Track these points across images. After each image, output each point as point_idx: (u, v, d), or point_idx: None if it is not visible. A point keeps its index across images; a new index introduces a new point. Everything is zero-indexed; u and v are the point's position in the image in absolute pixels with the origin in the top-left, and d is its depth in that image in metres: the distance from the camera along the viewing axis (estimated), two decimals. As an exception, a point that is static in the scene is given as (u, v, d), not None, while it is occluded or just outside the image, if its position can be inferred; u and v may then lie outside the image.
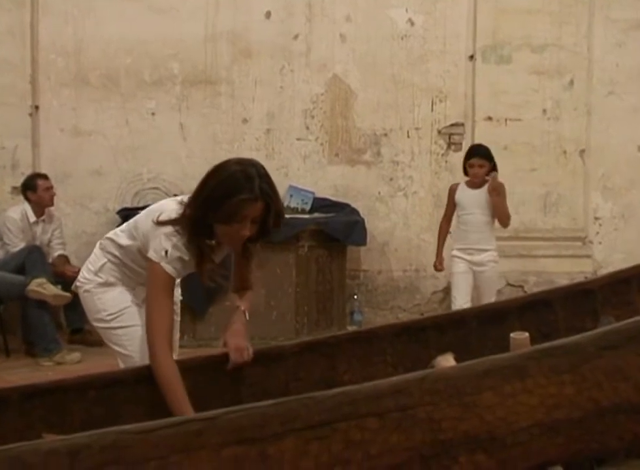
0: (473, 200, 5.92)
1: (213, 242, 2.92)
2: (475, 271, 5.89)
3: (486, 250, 5.91)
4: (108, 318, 3.20)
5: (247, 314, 3.07)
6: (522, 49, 7.32)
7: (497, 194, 5.80)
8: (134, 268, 3.16)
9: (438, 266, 6.21)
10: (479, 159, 5.86)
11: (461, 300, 5.86)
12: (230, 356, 2.97)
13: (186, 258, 2.90)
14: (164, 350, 2.83)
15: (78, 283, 3.31)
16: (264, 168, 2.85)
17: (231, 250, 3.09)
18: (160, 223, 2.92)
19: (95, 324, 3.28)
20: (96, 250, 3.30)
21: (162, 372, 2.79)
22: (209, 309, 6.50)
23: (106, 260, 3.23)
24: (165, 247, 2.88)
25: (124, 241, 3.14)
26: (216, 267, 3.02)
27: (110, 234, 3.26)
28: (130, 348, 3.13)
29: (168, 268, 2.87)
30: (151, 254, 2.91)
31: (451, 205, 6.09)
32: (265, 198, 2.78)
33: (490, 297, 5.86)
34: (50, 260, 6.72)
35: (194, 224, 2.84)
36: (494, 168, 5.87)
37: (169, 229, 2.89)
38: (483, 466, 2.19)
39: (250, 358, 2.96)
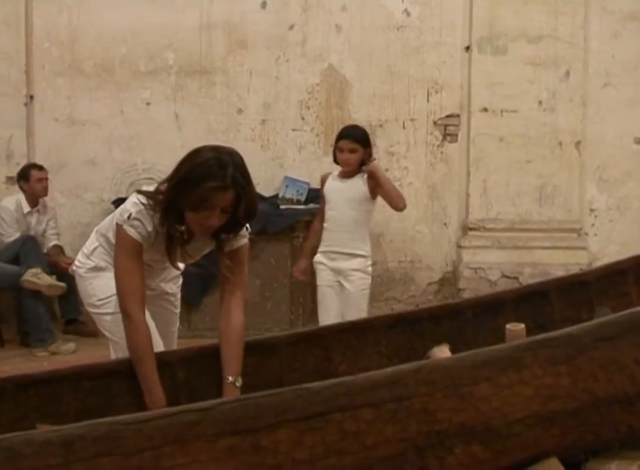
0: (340, 192, 4.84)
1: (183, 228, 2.84)
2: (341, 283, 4.83)
3: (354, 256, 4.82)
4: (98, 303, 3.22)
5: (239, 380, 2.82)
6: (517, 40, 7.30)
7: (377, 178, 4.82)
8: None
9: (294, 273, 5.15)
10: (350, 142, 4.77)
11: (327, 321, 4.68)
12: None
13: (149, 228, 2.85)
14: (135, 311, 2.82)
15: (73, 267, 3.33)
16: (241, 158, 2.78)
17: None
18: (138, 191, 2.92)
19: (88, 309, 3.31)
20: (92, 234, 3.33)
21: (132, 328, 2.81)
22: (203, 300, 6.50)
23: (98, 243, 3.25)
24: (130, 211, 2.86)
25: (113, 223, 3.12)
26: (187, 255, 2.98)
27: (107, 218, 3.27)
28: (119, 335, 3.09)
29: (131, 231, 2.84)
30: (117, 217, 2.91)
31: (323, 200, 5.05)
32: (236, 187, 2.70)
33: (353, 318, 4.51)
34: (45, 251, 6.71)
35: (165, 208, 2.79)
36: (370, 155, 4.89)
37: (141, 197, 2.87)
38: (479, 457, 2.19)
39: None
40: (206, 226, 2.77)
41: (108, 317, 3.19)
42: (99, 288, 3.19)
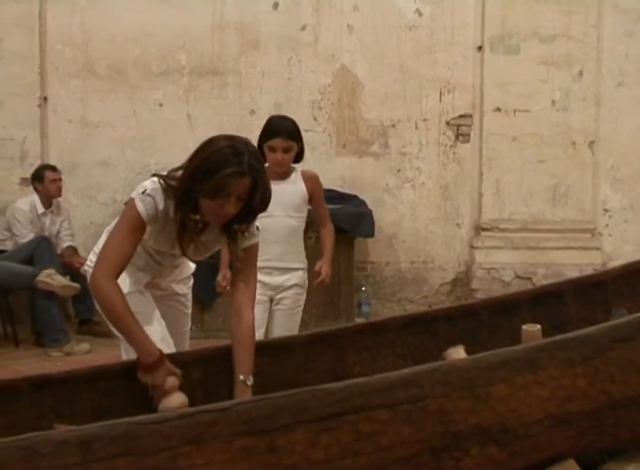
0: (275, 197, 3.53)
1: (197, 217, 2.82)
2: (274, 301, 4.16)
3: (292, 270, 4.15)
4: None
5: (250, 379, 2.80)
6: (530, 39, 7.29)
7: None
8: (144, 254, 3.13)
9: (222, 283, 4.20)
10: (284, 140, 4.00)
11: None
12: None
13: (159, 208, 2.83)
14: (102, 275, 2.80)
15: (85, 267, 3.31)
16: (253, 146, 2.80)
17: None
18: (157, 175, 2.91)
19: (98, 308, 3.26)
20: (103, 234, 3.29)
21: (102, 296, 2.80)
22: (217, 300, 6.49)
23: None
24: (146, 187, 2.86)
25: None
26: (198, 248, 2.96)
27: (117, 218, 3.27)
28: None
29: (140, 206, 2.83)
30: (133, 193, 2.90)
31: None
32: (253, 174, 2.71)
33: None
34: (59, 251, 6.74)
35: (180, 196, 2.79)
36: (301, 151, 4.13)
37: (160, 180, 2.87)
38: (495, 458, 2.19)
39: None
40: (221, 214, 2.76)
41: None
42: None
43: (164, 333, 3.13)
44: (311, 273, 4.22)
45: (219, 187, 2.68)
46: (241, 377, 2.78)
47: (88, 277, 3.23)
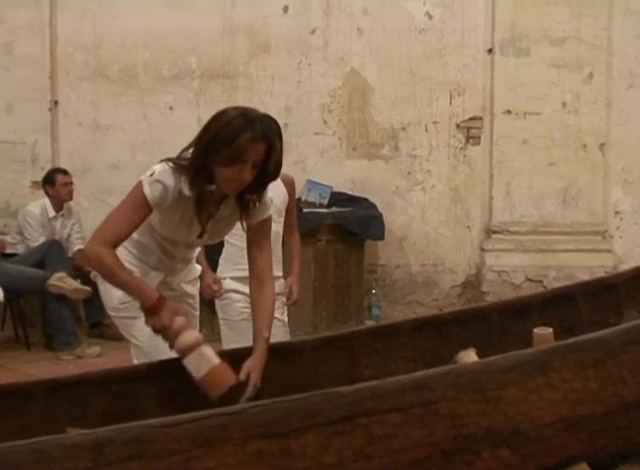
0: None
1: (213, 187, 2.85)
2: None
3: (276, 278, 3.71)
4: (120, 306, 3.17)
5: (267, 333, 2.90)
6: (540, 41, 7.27)
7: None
8: (144, 243, 3.12)
9: (215, 288, 3.93)
10: None
11: None
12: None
13: (169, 190, 2.85)
14: (93, 242, 2.84)
15: (94, 272, 3.24)
16: (265, 114, 2.84)
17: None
18: (167, 159, 2.93)
19: (109, 313, 3.27)
20: None
21: (92, 257, 2.83)
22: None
23: (119, 247, 3.14)
24: (154, 169, 2.88)
25: None
26: (218, 221, 2.98)
27: None
28: (141, 338, 3.11)
29: (146, 188, 2.84)
30: (142, 176, 2.91)
31: None
32: (268, 140, 2.76)
33: None
34: (70, 255, 6.75)
35: (194, 168, 2.82)
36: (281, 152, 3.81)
37: (170, 163, 2.90)
38: (507, 461, 2.18)
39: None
40: (238, 181, 2.79)
41: (130, 321, 3.17)
42: (122, 291, 3.13)
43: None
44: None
45: (237, 153, 2.72)
46: (266, 334, 2.86)
47: (99, 281, 3.24)
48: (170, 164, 2.89)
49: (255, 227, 3.01)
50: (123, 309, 3.18)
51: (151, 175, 2.86)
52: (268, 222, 3.05)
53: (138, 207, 2.86)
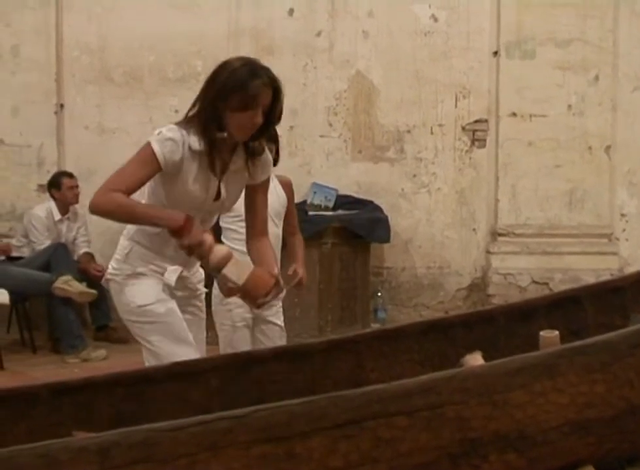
0: None
1: (225, 134, 2.95)
2: (258, 318, 3.97)
3: None
4: (137, 310, 3.15)
5: None
6: (546, 44, 7.27)
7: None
8: (158, 232, 3.10)
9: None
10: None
11: None
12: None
13: (178, 138, 2.91)
14: (99, 192, 2.91)
15: (108, 276, 3.27)
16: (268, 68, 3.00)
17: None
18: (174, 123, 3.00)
19: (124, 316, 3.23)
20: (121, 240, 3.28)
21: (103, 204, 2.91)
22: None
23: (131, 246, 3.20)
24: (160, 129, 2.96)
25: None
26: (231, 174, 3.06)
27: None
28: (157, 344, 3.10)
29: (156, 147, 2.90)
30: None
31: None
32: (274, 85, 2.92)
33: None
34: (75, 258, 6.76)
35: (205, 118, 2.92)
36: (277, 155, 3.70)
37: (177, 124, 2.98)
38: (513, 465, 2.18)
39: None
40: (250, 126, 2.91)
41: (147, 326, 3.15)
42: (139, 295, 3.15)
43: (192, 341, 3.17)
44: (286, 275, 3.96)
45: (250, 98, 2.86)
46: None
47: (112, 284, 3.23)
48: (177, 124, 2.97)
49: (255, 188, 3.14)
50: (141, 313, 3.16)
51: (159, 134, 2.93)
52: (266, 183, 3.20)
53: (147, 164, 2.93)
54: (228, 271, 2.86)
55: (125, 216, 2.97)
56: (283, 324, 4.04)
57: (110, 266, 3.29)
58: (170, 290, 3.18)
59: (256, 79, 2.87)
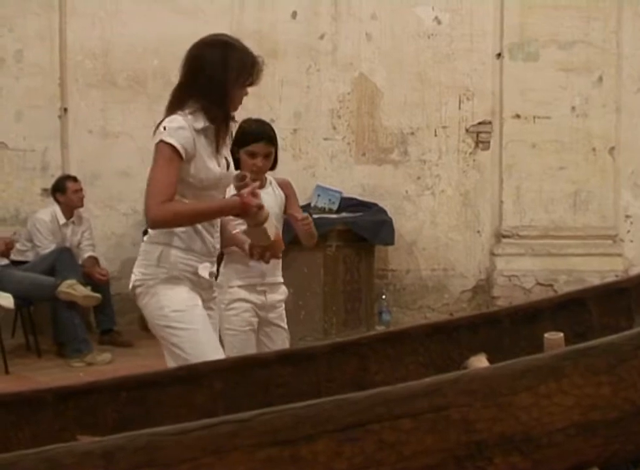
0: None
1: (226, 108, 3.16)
2: (263, 321, 3.87)
3: (280, 285, 3.93)
4: (172, 315, 3.12)
5: None
6: (549, 45, 7.27)
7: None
8: (185, 231, 3.13)
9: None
10: (266, 146, 3.75)
11: None
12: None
13: (184, 124, 3.02)
14: (154, 205, 2.96)
15: (136, 283, 3.19)
16: None
17: None
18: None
19: (156, 322, 3.16)
20: (146, 247, 3.22)
21: (164, 218, 2.99)
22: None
23: (160, 248, 3.15)
24: (163, 126, 3.04)
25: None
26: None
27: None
28: (190, 351, 3.08)
29: (170, 140, 2.98)
30: (155, 140, 3.03)
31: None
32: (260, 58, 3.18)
33: None
34: (80, 262, 6.76)
35: (210, 94, 3.08)
36: (276, 157, 3.86)
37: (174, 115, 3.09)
38: (519, 467, 2.17)
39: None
40: (242, 97, 3.19)
41: (181, 332, 3.12)
42: (175, 299, 3.12)
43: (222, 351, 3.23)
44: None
45: (257, 73, 3.13)
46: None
47: (142, 290, 3.16)
48: (171, 116, 3.07)
49: None
50: (175, 318, 3.13)
51: (165, 129, 3.00)
52: None
53: (172, 161, 2.99)
54: (267, 226, 3.18)
55: (187, 220, 3.06)
56: (286, 327, 3.99)
57: (137, 273, 3.20)
58: (200, 294, 3.20)
59: (254, 56, 3.13)
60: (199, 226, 3.15)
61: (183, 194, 3.09)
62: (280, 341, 3.92)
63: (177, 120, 3.02)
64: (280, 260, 3.83)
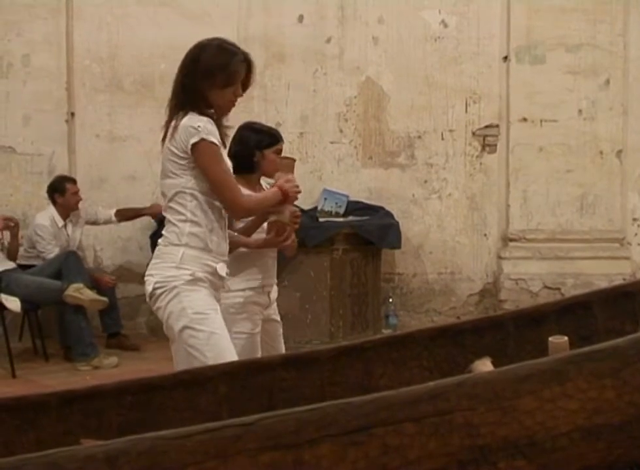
0: None
1: (212, 111, 3.19)
2: (263, 319, 3.88)
3: (274, 284, 4.00)
4: (195, 316, 3.11)
5: None
6: (556, 49, 7.26)
7: None
8: (203, 230, 3.16)
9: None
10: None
11: None
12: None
13: (206, 119, 3.13)
14: (237, 201, 3.18)
15: (157, 284, 3.15)
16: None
17: None
18: (185, 112, 3.19)
19: (176, 323, 3.13)
20: (163, 249, 3.20)
21: (248, 210, 3.35)
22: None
23: (182, 250, 3.15)
24: (196, 124, 3.10)
25: (177, 205, 3.18)
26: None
27: (167, 227, 3.24)
28: (209, 354, 3.08)
29: (208, 137, 3.09)
30: (191, 140, 3.09)
31: None
32: (248, 58, 3.22)
33: None
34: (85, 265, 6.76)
35: (194, 98, 3.15)
36: None
37: (191, 112, 3.15)
38: (523, 471, 2.16)
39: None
40: (233, 99, 3.21)
41: (201, 334, 3.11)
42: (197, 301, 3.12)
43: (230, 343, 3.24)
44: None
45: (234, 74, 3.14)
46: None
47: (164, 292, 3.14)
48: (191, 114, 3.14)
49: None
50: (198, 321, 3.12)
51: (198, 127, 3.09)
52: None
53: (219, 155, 3.16)
54: (285, 208, 3.54)
55: (261, 208, 3.43)
56: (279, 318, 4.04)
57: (156, 275, 3.18)
58: (215, 297, 3.24)
59: (235, 57, 3.15)
60: (215, 226, 3.19)
61: (200, 187, 3.16)
62: (277, 334, 3.98)
63: (199, 117, 3.11)
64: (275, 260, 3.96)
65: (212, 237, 3.17)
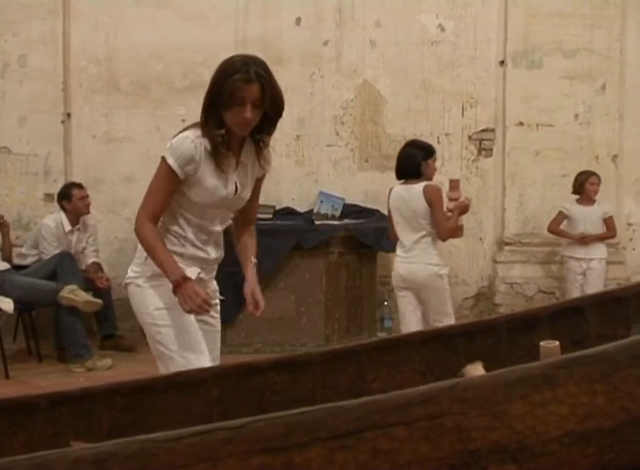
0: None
1: (222, 131, 3.04)
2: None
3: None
4: (155, 313, 3.15)
5: (255, 260, 3.31)
6: (553, 53, 7.28)
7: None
8: (176, 236, 3.17)
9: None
10: None
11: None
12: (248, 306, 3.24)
13: (188, 145, 3.03)
14: (141, 220, 3.08)
15: (127, 280, 3.27)
16: (262, 61, 3.05)
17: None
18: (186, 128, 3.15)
19: (142, 320, 3.22)
20: (138, 246, 3.26)
21: (139, 236, 3.11)
22: (239, 316, 6.50)
23: None
24: (171, 142, 3.08)
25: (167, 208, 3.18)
26: (241, 166, 3.17)
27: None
28: (173, 347, 3.10)
29: (169, 160, 3.03)
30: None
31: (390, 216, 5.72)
32: (260, 80, 2.95)
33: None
34: (83, 267, 6.75)
35: (204, 115, 3.05)
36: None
37: (188, 130, 3.10)
38: (513, 476, 2.16)
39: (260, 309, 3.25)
40: (241, 121, 2.99)
41: (164, 329, 3.15)
42: (158, 297, 3.16)
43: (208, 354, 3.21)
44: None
45: (231, 93, 2.94)
46: (254, 260, 3.29)
47: (132, 288, 3.24)
48: (185, 133, 3.09)
49: (259, 179, 3.30)
50: (159, 316, 3.16)
51: (170, 146, 3.05)
52: (264, 178, 3.35)
53: (167, 179, 3.09)
54: None
55: (146, 248, 3.13)
56: None
57: (129, 270, 3.29)
58: None
59: (236, 75, 2.94)
60: (189, 234, 3.19)
61: (190, 209, 3.15)
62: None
63: (185, 140, 3.05)
64: None
65: (185, 243, 3.18)
